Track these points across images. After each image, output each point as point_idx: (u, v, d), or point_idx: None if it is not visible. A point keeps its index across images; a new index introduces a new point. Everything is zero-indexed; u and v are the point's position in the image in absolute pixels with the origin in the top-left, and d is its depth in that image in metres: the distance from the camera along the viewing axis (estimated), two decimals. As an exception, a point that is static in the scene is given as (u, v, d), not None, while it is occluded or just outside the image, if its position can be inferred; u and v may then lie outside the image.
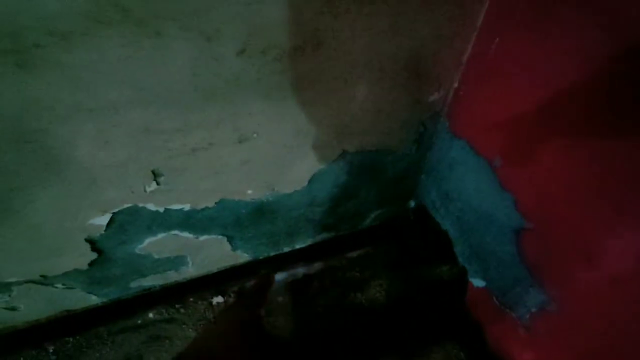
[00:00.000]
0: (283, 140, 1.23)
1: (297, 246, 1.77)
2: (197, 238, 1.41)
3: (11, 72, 0.77)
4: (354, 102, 1.22)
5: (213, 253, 1.54)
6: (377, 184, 1.62)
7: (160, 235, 1.32)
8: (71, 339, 1.57)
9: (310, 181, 1.42)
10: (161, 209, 1.23)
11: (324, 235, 1.79)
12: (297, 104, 1.14)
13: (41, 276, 1.25)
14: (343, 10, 0.97)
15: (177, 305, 1.69)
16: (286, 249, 1.75)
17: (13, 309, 1.34)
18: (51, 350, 1.53)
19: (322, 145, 1.31)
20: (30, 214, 1.05)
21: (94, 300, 1.48)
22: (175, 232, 1.34)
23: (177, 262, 1.49)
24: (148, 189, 1.15)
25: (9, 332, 1.43)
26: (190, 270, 1.58)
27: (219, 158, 1.17)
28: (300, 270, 1.84)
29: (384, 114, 1.31)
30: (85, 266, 1.28)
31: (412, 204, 1.85)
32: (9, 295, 1.27)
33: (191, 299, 1.70)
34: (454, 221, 1.55)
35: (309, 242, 1.78)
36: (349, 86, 1.17)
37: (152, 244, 1.34)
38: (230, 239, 1.51)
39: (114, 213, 1.17)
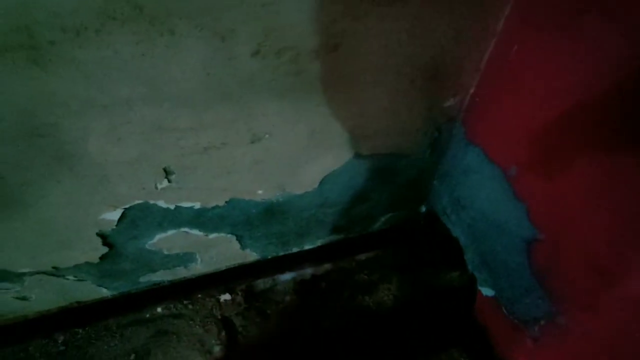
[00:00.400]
0: (296, 141, 1.22)
1: (307, 247, 1.77)
2: (206, 236, 1.41)
3: (25, 67, 0.78)
4: (370, 104, 1.21)
5: (222, 251, 1.54)
6: (389, 187, 1.61)
7: (171, 232, 1.33)
8: (81, 330, 1.59)
9: (322, 182, 1.41)
10: (172, 206, 1.23)
11: (334, 237, 1.78)
12: (312, 105, 1.13)
13: (53, 268, 1.27)
14: (363, 12, 0.95)
15: (185, 301, 1.69)
16: (295, 250, 1.75)
17: (24, 298, 1.37)
18: (60, 341, 1.55)
19: (335, 147, 1.30)
20: (42, 208, 1.06)
21: (104, 292, 1.50)
22: (186, 229, 1.35)
23: (186, 258, 1.50)
24: (159, 186, 1.15)
25: (20, 321, 1.45)
26: (199, 267, 1.59)
27: (231, 157, 1.17)
28: (308, 271, 1.83)
29: (399, 117, 1.29)
30: (96, 259, 1.30)
31: (423, 209, 1.83)
32: (21, 285, 1.30)
33: (199, 296, 1.71)
34: (465, 228, 1.52)
35: (318, 243, 1.78)
36: (366, 88, 1.15)
37: (162, 240, 1.35)
38: (239, 238, 1.51)
39: (125, 209, 1.18)
